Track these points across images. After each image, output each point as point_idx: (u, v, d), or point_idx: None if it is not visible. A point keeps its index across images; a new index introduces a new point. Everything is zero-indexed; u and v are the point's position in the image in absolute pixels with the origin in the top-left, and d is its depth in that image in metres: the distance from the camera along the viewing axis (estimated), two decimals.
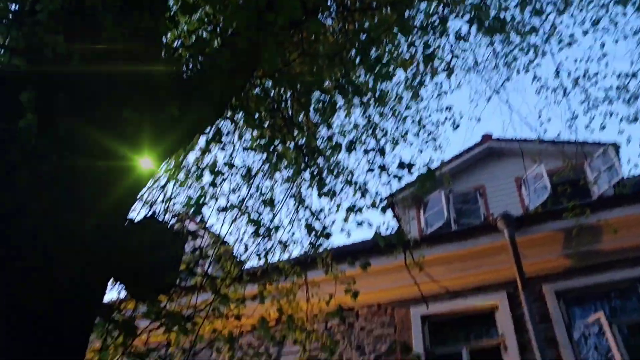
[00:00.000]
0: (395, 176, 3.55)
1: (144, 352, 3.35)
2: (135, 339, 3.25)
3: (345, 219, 4.93)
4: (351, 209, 4.35)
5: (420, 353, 4.79)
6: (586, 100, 6.75)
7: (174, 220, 4.33)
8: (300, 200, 4.54)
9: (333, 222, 4.42)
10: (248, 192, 4.69)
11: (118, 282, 3.04)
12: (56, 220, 2.23)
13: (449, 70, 6.17)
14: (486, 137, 11.78)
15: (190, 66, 3.37)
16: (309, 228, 4.28)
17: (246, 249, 4.35)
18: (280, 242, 4.36)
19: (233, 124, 4.81)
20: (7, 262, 2.09)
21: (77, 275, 2.40)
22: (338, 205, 5.13)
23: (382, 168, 3.72)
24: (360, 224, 4.37)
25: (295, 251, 5.19)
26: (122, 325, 3.02)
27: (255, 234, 4.09)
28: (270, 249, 4.39)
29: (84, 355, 2.49)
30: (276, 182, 5.14)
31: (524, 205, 10.25)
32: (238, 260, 4.55)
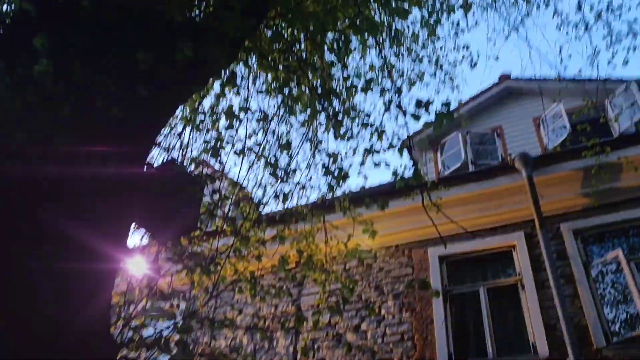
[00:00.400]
0: (412, 115, 3.51)
1: (168, 293, 3.45)
2: (159, 280, 3.33)
3: (362, 162, 4.92)
4: (368, 151, 4.33)
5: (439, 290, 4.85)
6: (609, 34, 6.52)
7: (192, 167, 4.36)
8: (316, 144, 4.53)
9: (350, 166, 4.41)
10: (264, 137, 4.69)
11: (140, 226, 3.10)
12: (77, 162, 2.26)
13: (467, 7, 5.99)
14: (504, 77, 11.56)
15: (203, 8, 3.31)
16: (327, 170, 4.28)
17: (264, 192, 4.37)
18: (298, 183, 4.38)
19: (247, 68, 4.75)
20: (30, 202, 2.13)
21: (101, 217, 2.44)
22: (354, 149, 5.11)
23: (399, 107, 3.68)
24: (377, 164, 4.35)
25: (313, 195, 5.21)
26: (145, 265, 3.10)
27: (273, 175, 4.10)
28: (289, 192, 4.42)
29: (110, 298, 2.56)
30: (292, 126, 5.12)
31: (543, 145, 10.14)
32: (257, 203, 4.59)
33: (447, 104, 3.49)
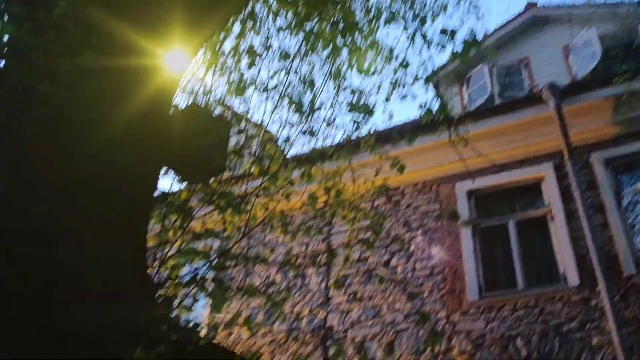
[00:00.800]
0: (437, 44, 3.43)
1: (201, 233, 3.53)
2: (192, 220, 3.40)
3: (387, 98, 4.86)
4: (394, 84, 4.26)
5: (467, 218, 4.78)
6: None
7: (217, 109, 4.37)
8: (340, 79, 4.45)
9: (375, 103, 4.35)
10: (287, 76, 4.64)
11: (169, 169, 3.14)
12: (102, 109, 2.27)
13: None
14: (530, 5, 11.14)
15: None
16: (352, 106, 4.24)
17: (290, 130, 4.35)
18: (323, 120, 4.35)
19: (266, 7, 4.66)
20: (56, 152, 2.16)
21: (130, 162, 2.47)
22: (379, 86, 5.04)
23: (424, 37, 3.58)
24: (403, 97, 4.29)
25: (339, 135, 5.18)
26: (177, 207, 3.15)
27: (297, 111, 4.08)
28: (314, 130, 4.39)
29: (145, 241, 2.62)
30: (314, 65, 5.05)
31: (572, 75, 9.86)
32: (282, 145, 4.59)
33: (473, 33, 3.40)
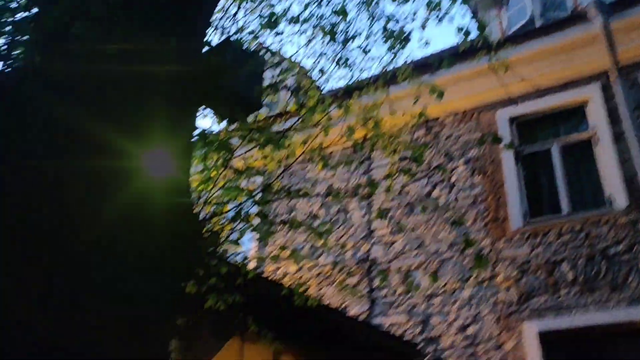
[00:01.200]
0: None
1: (243, 170, 3.59)
2: (232, 157, 3.45)
3: (423, 25, 4.72)
4: (429, 5, 4.12)
5: (509, 142, 4.63)
6: None
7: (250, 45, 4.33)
8: (373, 6, 4.32)
9: (410, 32, 4.19)
10: (319, 8, 4.53)
11: (206, 107, 3.16)
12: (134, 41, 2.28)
13: None
14: None
15: None
16: (387, 33, 4.13)
17: (325, 61, 4.28)
18: (359, 47, 4.25)
19: None
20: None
21: (166, 104, 2.49)
22: (414, 13, 4.88)
23: None
24: (440, 19, 4.16)
25: (374, 67, 5.08)
26: (218, 144, 3.19)
27: (332, 40, 4.00)
28: (349, 62, 4.31)
29: (188, 176, 2.67)
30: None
31: None
32: (318, 77, 4.54)
33: None
